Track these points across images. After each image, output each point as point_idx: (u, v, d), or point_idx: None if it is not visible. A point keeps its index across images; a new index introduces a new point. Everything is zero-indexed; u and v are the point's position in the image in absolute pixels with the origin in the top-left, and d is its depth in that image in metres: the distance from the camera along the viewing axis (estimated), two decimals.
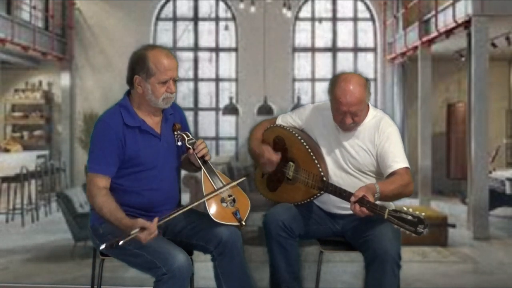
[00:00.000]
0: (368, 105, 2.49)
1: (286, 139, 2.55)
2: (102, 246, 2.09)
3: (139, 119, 2.32)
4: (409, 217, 2.08)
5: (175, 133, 2.39)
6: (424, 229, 2.06)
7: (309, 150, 2.44)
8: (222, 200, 2.29)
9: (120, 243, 2.05)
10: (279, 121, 2.66)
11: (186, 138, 2.36)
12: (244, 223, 2.27)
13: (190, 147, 2.34)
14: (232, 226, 2.27)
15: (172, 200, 2.41)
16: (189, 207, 2.26)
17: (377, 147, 2.42)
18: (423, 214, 2.10)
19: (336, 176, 2.47)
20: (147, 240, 2.10)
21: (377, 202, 2.19)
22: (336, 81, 2.39)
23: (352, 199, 2.18)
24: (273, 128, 2.63)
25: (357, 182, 2.42)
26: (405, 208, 2.13)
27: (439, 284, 5.08)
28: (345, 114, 2.36)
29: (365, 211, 2.16)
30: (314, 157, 2.42)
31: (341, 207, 2.47)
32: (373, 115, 2.48)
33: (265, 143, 2.62)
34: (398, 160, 2.36)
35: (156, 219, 2.13)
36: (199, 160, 2.34)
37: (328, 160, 2.49)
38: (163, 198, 2.34)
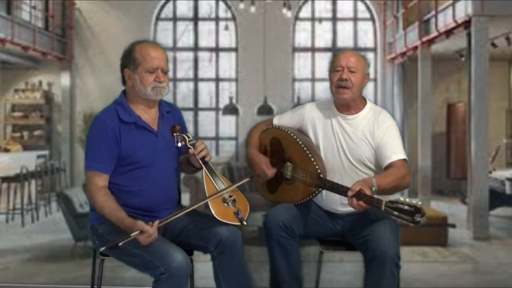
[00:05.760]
0: (365, 99, 2.56)
1: (282, 140, 2.56)
2: (102, 248, 2.12)
3: (134, 115, 2.31)
4: (406, 207, 2.12)
5: (175, 134, 2.38)
6: (421, 218, 2.10)
7: (305, 148, 2.45)
8: (224, 200, 2.30)
9: (120, 244, 2.07)
10: (276, 121, 2.68)
11: (187, 139, 2.36)
12: (245, 223, 2.28)
13: (191, 147, 2.34)
14: (233, 226, 2.28)
15: (172, 200, 2.40)
16: (190, 208, 2.27)
17: (376, 139, 2.45)
18: (419, 203, 2.13)
19: (337, 168, 2.48)
20: (146, 242, 2.12)
21: (375, 196, 2.21)
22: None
23: (349, 193, 2.20)
24: (269, 130, 2.64)
25: (357, 172, 2.45)
26: (401, 199, 2.16)
27: (439, 284, 5.08)
28: (343, 69, 2.45)
29: (362, 205, 2.18)
30: (310, 155, 2.42)
31: (342, 203, 2.47)
32: (370, 107, 2.55)
33: (262, 146, 2.64)
34: (396, 152, 2.40)
35: (156, 222, 2.15)
36: (200, 161, 2.34)
37: (328, 153, 2.51)
38: (162, 197, 2.33)
